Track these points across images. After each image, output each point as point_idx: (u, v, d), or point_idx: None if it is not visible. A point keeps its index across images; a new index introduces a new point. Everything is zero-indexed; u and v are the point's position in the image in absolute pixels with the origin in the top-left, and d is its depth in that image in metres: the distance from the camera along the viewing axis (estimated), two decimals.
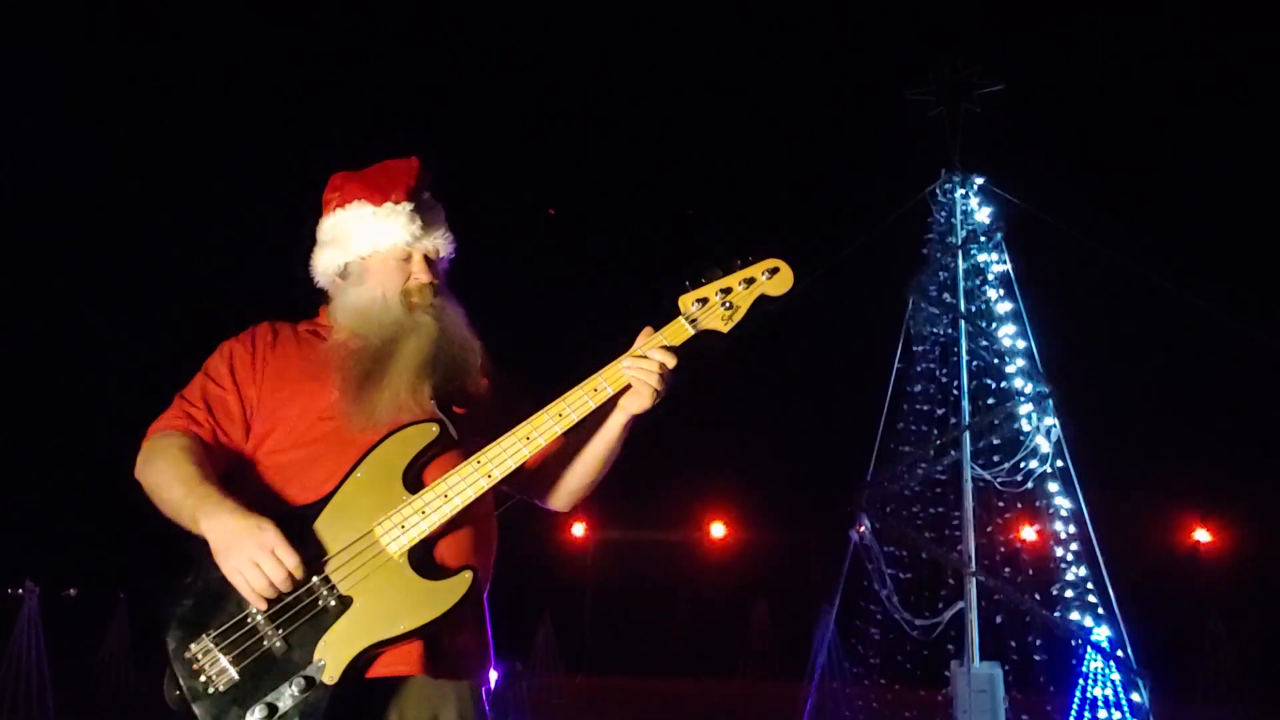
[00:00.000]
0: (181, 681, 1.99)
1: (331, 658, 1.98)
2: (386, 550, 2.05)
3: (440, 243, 2.38)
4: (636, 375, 2.19)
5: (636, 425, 2.29)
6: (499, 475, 2.13)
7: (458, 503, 2.09)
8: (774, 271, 2.27)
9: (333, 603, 2.01)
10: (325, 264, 2.39)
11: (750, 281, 2.26)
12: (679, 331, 2.23)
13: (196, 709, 1.97)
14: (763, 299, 2.27)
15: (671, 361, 2.19)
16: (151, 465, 2.18)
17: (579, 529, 19.44)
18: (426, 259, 2.35)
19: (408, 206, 2.33)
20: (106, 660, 13.70)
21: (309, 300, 2.47)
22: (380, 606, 2.01)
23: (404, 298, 2.31)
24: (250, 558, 1.98)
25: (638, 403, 2.22)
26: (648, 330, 2.24)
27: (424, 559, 2.08)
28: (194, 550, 2.06)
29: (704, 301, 2.25)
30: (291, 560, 1.99)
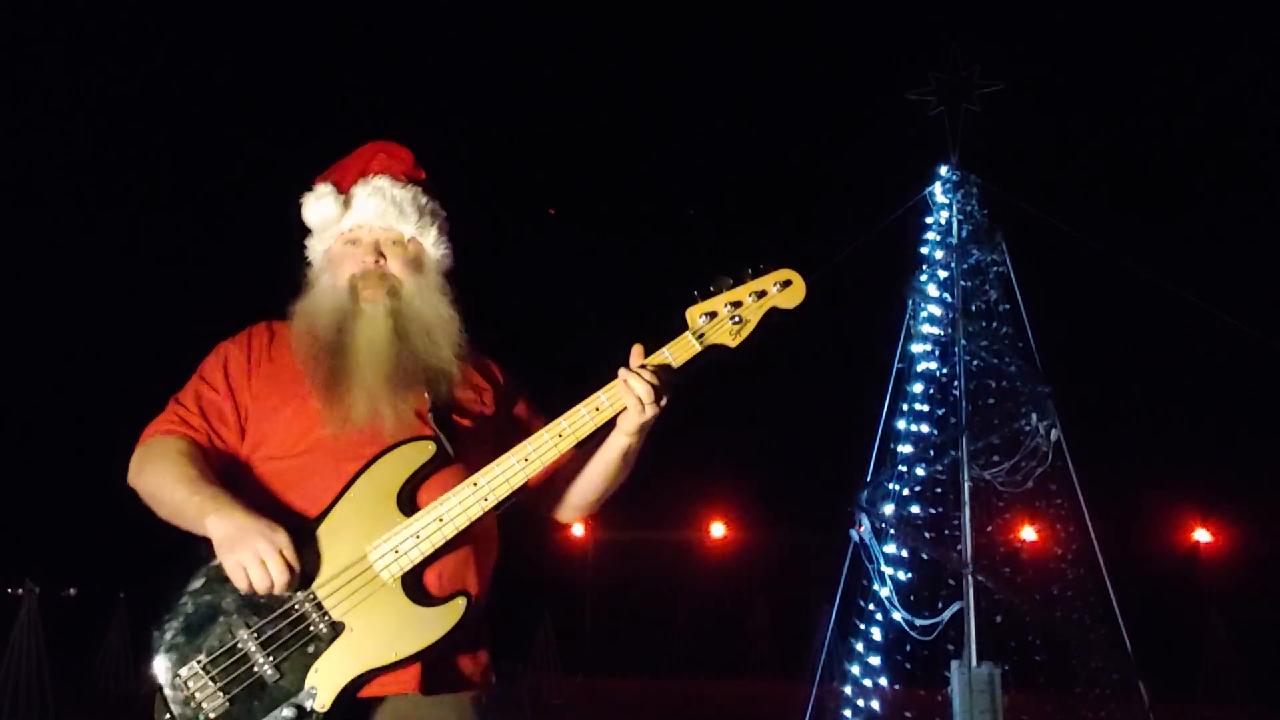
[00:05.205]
0: (173, 708, 1.95)
1: (323, 685, 1.95)
2: (380, 576, 2.01)
3: (408, 228, 2.28)
4: (626, 395, 2.11)
5: (647, 437, 2.21)
6: (495, 499, 2.08)
7: (452, 528, 2.05)
8: (786, 284, 2.19)
9: (324, 629, 1.97)
10: (311, 255, 2.36)
11: (761, 294, 2.18)
12: (685, 348, 2.16)
13: None
14: (773, 312, 2.19)
15: (655, 381, 2.10)
16: (150, 469, 2.12)
17: (579, 529, 19.41)
18: (381, 244, 2.26)
19: (363, 190, 2.27)
20: (106, 660, 13.71)
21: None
22: (372, 633, 1.98)
23: (350, 283, 2.23)
24: (258, 553, 1.93)
25: (629, 421, 2.14)
26: (638, 349, 2.15)
27: (418, 584, 2.04)
28: (192, 561, 2.01)
29: (712, 315, 2.16)
30: (298, 569, 1.96)
